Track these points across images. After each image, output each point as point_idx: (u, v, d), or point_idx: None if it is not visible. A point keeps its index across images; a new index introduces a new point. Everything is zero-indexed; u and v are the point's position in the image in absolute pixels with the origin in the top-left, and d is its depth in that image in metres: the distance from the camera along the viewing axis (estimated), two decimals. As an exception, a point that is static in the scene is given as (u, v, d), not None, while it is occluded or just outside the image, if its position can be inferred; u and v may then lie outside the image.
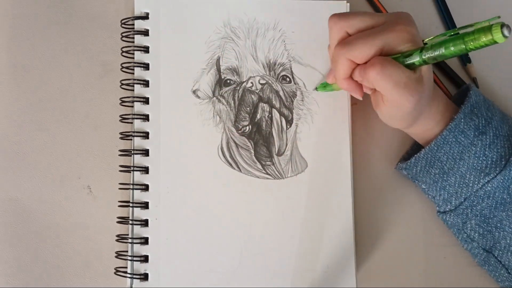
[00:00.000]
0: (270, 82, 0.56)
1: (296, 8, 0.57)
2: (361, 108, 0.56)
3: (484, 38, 0.37)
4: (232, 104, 0.56)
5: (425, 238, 0.56)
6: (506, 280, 0.52)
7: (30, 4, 0.58)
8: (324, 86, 0.54)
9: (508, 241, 0.51)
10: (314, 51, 0.57)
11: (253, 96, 0.56)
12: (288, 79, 0.56)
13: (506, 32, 0.36)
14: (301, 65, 0.57)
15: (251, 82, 0.56)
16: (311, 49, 0.57)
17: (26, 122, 0.56)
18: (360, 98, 0.50)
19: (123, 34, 0.57)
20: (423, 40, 0.45)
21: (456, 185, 0.51)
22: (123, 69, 0.56)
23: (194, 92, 0.56)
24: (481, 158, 0.49)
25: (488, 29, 0.37)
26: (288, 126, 0.56)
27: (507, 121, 0.52)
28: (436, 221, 0.55)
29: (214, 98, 0.56)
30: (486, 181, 0.50)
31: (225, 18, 0.57)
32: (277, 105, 0.56)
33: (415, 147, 0.56)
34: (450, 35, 0.41)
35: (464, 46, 0.39)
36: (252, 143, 0.55)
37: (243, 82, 0.56)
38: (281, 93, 0.56)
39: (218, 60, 0.56)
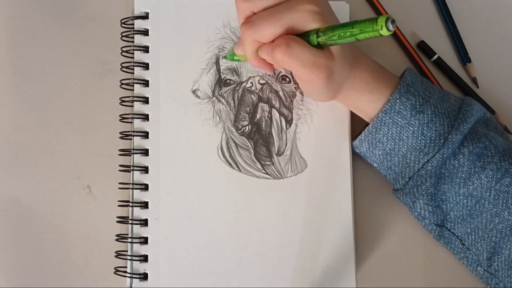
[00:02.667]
0: (269, 82, 0.56)
1: (296, 8, 0.57)
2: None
3: (370, 28, 0.38)
4: (232, 104, 0.56)
5: (425, 238, 0.56)
6: (461, 252, 0.53)
7: (30, 4, 0.58)
8: (232, 55, 0.53)
9: (455, 213, 0.52)
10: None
11: (252, 96, 0.56)
12: (287, 79, 0.56)
13: (390, 26, 0.37)
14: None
15: (251, 82, 0.56)
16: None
17: (26, 122, 0.57)
18: (271, 72, 0.50)
19: (123, 34, 0.57)
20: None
21: (400, 165, 0.51)
22: (123, 69, 0.56)
23: (194, 92, 0.56)
24: (419, 138, 0.49)
25: (374, 20, 0.38)
26: (288, 126, 0.56)
27: (448, 99, 0.51)
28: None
29: (214, 98, 0.56)
30: (425, 160, 0.50)
31: (225, 19, 0.57)
32: (277, 105, 0.56)
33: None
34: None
35: (352, 33, 0.40)
36: (251, 143, 0.55)
37: (243, 82, 0.56)
38: (280, 93, 0.56)
39: (217, 60, 0.56)
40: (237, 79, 0.56)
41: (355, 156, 0.56)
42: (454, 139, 0.49)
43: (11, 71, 0.57)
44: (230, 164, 0.55)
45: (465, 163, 0.50)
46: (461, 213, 0.51)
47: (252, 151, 0.55)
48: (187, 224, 0.54)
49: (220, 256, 0.54)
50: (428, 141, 0.49)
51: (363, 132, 0.52)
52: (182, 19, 0.57)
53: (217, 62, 0.56)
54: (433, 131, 0.49)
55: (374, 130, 0.51)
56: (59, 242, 0.55)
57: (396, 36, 0.59)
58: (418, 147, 0.50)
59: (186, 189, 0.54)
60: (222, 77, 0.56)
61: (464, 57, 0.59)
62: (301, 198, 0.55)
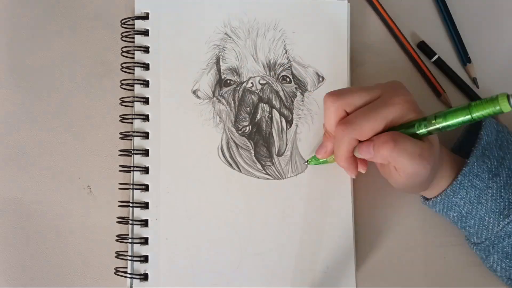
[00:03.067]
0: (270, 82, 0.56)
1: (296, 8, 0.57)
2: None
3: (491, 108, 0.40)
4: (232, 104, 0.56)
5: (425, 238, 0.56)
6: None
7: (30, 4, 0.58)
8: (316, 159, 0.54)
9: None
10: (314, 52, 0.57)
11: (253, 97, 0.56)
12: (288, 80, 0.56)
13: None
14: (302, 65, 0.57)
15: (251, 82, 0.56)
16: (312, 49, 0.57)
17: (26, 122, 0.56)
18: (354, 177, 0.51)
19: (123, 34, 0.57)
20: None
21: (476, 227, 0.51)
22: (123, 69, 0.56)
23: (194, 92, 0.56)
24: (498, 201, 0.49)
25: (494, 100, 0.39)
26: (288, 127, 0.56)
27: None
28: (436, 221, 0.55)
29: (214, 98, 0.56)
30: (506, 222, 0.49)
31: (225, 18, 0.57)
32: (277, 106, 0.56)
33: None
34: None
35: (469, 116, 0.41)
36: (252, 143, 0.55)
37: (243, 82, 0.56)
38: (281, 93, 0.56)
39: (218, 60, 0.56)
40: (238, 80, 0.56)
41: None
42: None
43: (11, 71, 0.57)
44: (230, 165, 0.55)
45: None
46: None
47: (253, 152, 0.55)
48: (188, 225, 0.54)
49: (220, 256, 0.54)
50: (507, 203, 0.49)
51: (439, 195, 0.51)
52: (182, 19, 0.57)
53: (217, 62, 0.56)
54: (511, 193, 0.49)
55: (452, 194, 0.50)
56: (59, 242, 0.55)
57: (396, 36, 0.59)
58: (497, 210, 0.49)
59: (186, 190, 0.54)
60: (223, 78, 0.56)
61: (464, 57, 0.59)
62: (301, 199, 0.55)
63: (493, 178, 0.49)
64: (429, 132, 0.45)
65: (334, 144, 0.49)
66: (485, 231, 0.50)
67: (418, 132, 0.45)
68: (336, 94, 0.47)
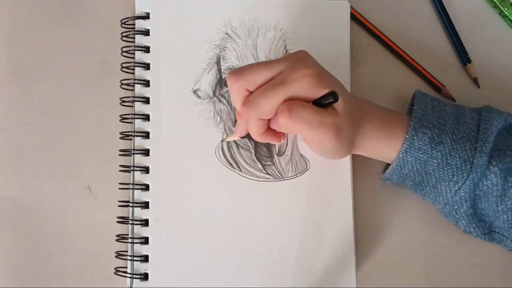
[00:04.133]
0: (270, 82, 0.56)
1: (297, 8, 0.57)
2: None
3: None
4: (233, 104, 0.56)
5: (425, 238, 0.56)
6: None
7: (30, 4, 0.58)
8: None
9: (499, 223, 0.51)
10: (315, 51, 0.56)
11: (253, 96, 0.56)
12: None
13: None
14: (302, 65, 0.57)
15: (252, 82, 0.56)
16: (312, 49, 0.56)
17: (26, 122, 0.56)
18: (280, 143, 0.51)
19: (123, 34, 0.57)
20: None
21: (432, 194, 0.51)
22: (123, 69, 0.56)
23: (194, 92, 0.56)
24: (445, 169, 0.49)
25: None
26: (289, 126, 0.56)
27: (463, 119, 0.50)
28: (436, 221, 0.55)
29: (215, 98, 0.56)
30: (456, 188, 0.49)
31: (226, 18, 0.57)
32: (278, 105, 0.56)
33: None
34: None
35: None
36: (252, 143, 0.55)
37: (244, 82, 0.56)
38: (281, 93, 0.56)
39: (218, 60, 0.56)
40: (238, 79, 0.56)
41: (356, 156, 0.56)
42: (481, 162, 0.48)
43: (11, 71, 0.57)
44: (231, 164, 0.55)
45: (498, 182, 0.49)
46: (503, 225, 0.51)
47: (253, 151, 0.55)
48: (188, 224, 0.54)
49: (221, 256, 0.54)
50: (454, 169, 0.49)
51: (389, 168, 0.51)
52: (183, 19, 0.57)
53: (218, 62, 0.56)
54: (457, 159, 0.49)
55: (399, 168, 0.50)
56: (59, 242, 0.55)
57: (384, 42, 0.59)
58: (446, 177, 0.49)
59: (186, 189, 0.54)
60: (223, 77, 0.56)
61: (464, 57, 0.59)
62: (302, 198, 0.55)
63: (437, 147, 0.49)
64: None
65: (245, 124, 0.49)
66: (441, 197, 0.51)
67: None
68: (236, 73, 0.46)
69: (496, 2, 0.60)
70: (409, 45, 0.59)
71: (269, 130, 0.48)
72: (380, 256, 0.55)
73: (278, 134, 0.49)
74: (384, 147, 0.50)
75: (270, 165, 0.55)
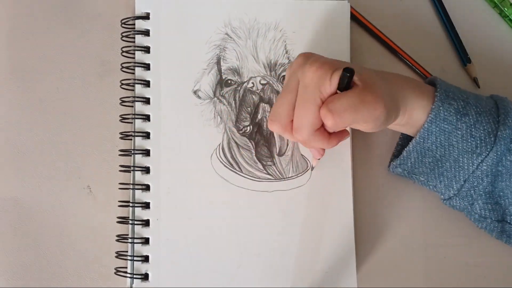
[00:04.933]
0: (271, 82, 0.56)
1: (297, 8, 0.57)
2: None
3: None
4: (233, 105, 0.56)
5: (425, 238, 0.56)
6: None
7: (30, 4, 0.58)
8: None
9: None
10: (315, 51, 0.57)
11: (254, 97, 0.56)
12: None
13: None
14: (302, 65, 0.57)
15: (252, 83, 0.56)
16: (312, 50, 0.57)
17: (26, 122, 0.56)
18: (348, 136, 0.50)
19: (123, 34, 0.57)
20: None
21: (453, 169, 0.51)
22: (123, 69, 0.56)
23: (195, 92, 0.56)
24: (469, 140, 0.49)
25: None
26: (289, 127, 0.56)
27: (481, 98, 0.51)
28: (436, 221, 0.55)
29: (215, 98, 0.56)
30: (479, 161, 0.49)
31: (226, 18, 0.57)
32: (278, 106, 0.56)
33: (400, 147, 0.56)
34: None
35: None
36: (253, 143, 0.55)
37: (244, 82, 0.56)
38: (282, 93, 0.56)
39: (219, 60, 0.56)
40: (238, 80, 0.56)
41: (356, 156, 0.56)
42: (505, 135, 0.49)
43: (11, 71, 0.57)
44: (231, 165, 0.55)
45: None
46: None
47: (254, 152, 0.55)
48: (188, 225, 0.54)
49: (221, 257, 0.54)
50: (478, 141, 0.49)
51: (411, 142, 0.51)
52: (183, 19, 0.57)
53: (218, 63, 0.56)
54: (481, 131, 0.49)
55: (422, 140, 0.50)
56: (59, 242, 0.55)
57: (385, 43, 0.59)
58: (469, 149, 0.49)
59: (187, 190, 0.54)
60: (223, 78, 0.56)
61: (464, 57, 0.59)
62: (302, 198, 0.55)
63: (462, 119, 0.49)
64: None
65: (312, 149, 0.50)
66: (461, 172, 0.51)
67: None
68: (270, 121, 0.48)
69: (496, 2, 0.60)
70: (409, 45, 0.59)
71: (332, 134, 0.48)
72: (380, 256, 0.56)
73: (343, 130, 0.49)
74: (418, 109, 0.49)
75: (270, 165, 0.55)
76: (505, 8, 0.60)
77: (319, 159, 0.53)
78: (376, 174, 0.56)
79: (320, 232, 0.54)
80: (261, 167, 0.55)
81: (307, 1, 0.58)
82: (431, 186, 0.54)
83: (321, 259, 0.54)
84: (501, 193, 0.51)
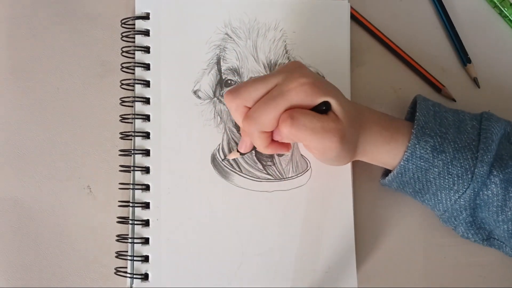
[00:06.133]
0: (271, 82, 0.56)
1: (297, 8, 0.57)
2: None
3: None
4: (233, 105, 0.56)
5: (425, 238, 0.56)
6: None
7: (30, 4, 0.58)
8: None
9: (499, 232, 0.51)
10: (315, 51, 0.57)
11: (254, 97, 0.56)
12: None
13: None
14: (302, 65, 0.57)
15: (252, 83, 0.56)
16: (312, 49, 0.57)
17: (26, 122, 0.56)
18: (288, 152, 0.51)
19: (123, 34, 0.57)
20: None
21: (432, 201, 0.51)
22: (123, 69, 0.56)
23: (195, 92, 0.56)
24: (446, 177, 0.49)
25: None
26: (289, 127, 0.56)
27: (464, 127, 0.50)
28: (436, 221, 0.55)
29: (215, 98, 0.56)
30: (457, 197, 0.49)
31: (226, 19, 0.57)
32: (278, 106, 0.56)
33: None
34: None
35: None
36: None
37: (244, 82, 0.56)
38: (282, 93, 0.56)
39: (219, 60, 0.56)
40: (238, 80, 0.56)
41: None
42: (482, 172, 0.48)
43: (11, 71, 0.57)
44: (231, 165, 0.55)
45: (499, 192, 0.49)
46: (503, 235, 0.51)
47: (253, 152, 0.55)
48: (189, 225, 0.54)
49: (221, 256, 0.54)
50: (456, 178, 0.49)
51: (389, 175, 0.51)
52: (183, 19, 0.57)
53: (218, 63, 0.56)
54: (459, 168, 0.49)
55: (400, 175, 0.50)
56: (59, 242, 0.55)
57: (385, 43, 0.59)
58: (447, 186, 0.49)
59: (187, 190, 0.54)
60: (223, 78, 0.56)
61: (464, 57, 0.59)
62: (302, 199, 0.55)
63: (439, 156, 0.49)
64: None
65: (250, 139, 0.49)
66: (441, 204, 0.51)
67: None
68: (233, 92, 0.47)
69: (496, 2, 0.60)
70: (409, 45, 0.59)
71: (274, 141, 0.48)
72: (380, 256, 0.56)
73: (285, 144, 0.49)
74: (385, 152, 0.50)
75: (270, 166, 0.55)
76: (505, 8, 0.60)
77: (241, 154, 0.52)
78: (376, 174, 0.56)
79: (320, 232, 0.54)
80: (261, 167, 0.55)
81: (307, 1, 0.58)
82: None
83: (321, 259, 0.54)
84: (483, 221, 0.52)
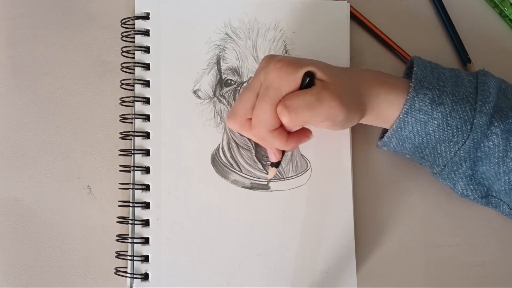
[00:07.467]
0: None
1: (297, 8, 0.57)
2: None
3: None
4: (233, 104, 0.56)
5: (425, 238, 0.56)
6: (509, 214, 0.53)
7: (30, 4, 0.58)
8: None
9: (498, 186, 0.51)
10: (315, 51, 0.57)
11: (254, 97, 0.56)
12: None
13: None
14: (302, 65, 0.57)
15: (252, 82, 0.56)
16: (312, 49, 0.57)
17: (26, 122, 0.56)
18: (311, 136, 0.50)
19: (123, 34, 0.57)
20: None
21: (432, 156, 0.51)
22: (123, 69, 0.56)
23: (195, 92, 0.56)
24: (445, 129, 0.49)
25: None
26: (289, 126, 0.56)
27: (462, 82, 0.51)
28: (436, 221, 0.55)
29: (215, 98, 0.56)
30: (456, 149, 0.50)
31: (226, 18, 0.57)
32: (278, 105, 0.56)
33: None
34: None
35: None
36: (253, 143, 0.55)
37: (244, 82, 0.56)
38: (281, 93, 0.56)
39: (219, 60, 0.56)
40: (238, 79, 0.56)
41: (356, 156, 0.56)
42: (481, 122, 0.49)
43: (11, 71, 0.57)
44: (231, 165, 0.55)
45: (500, 142, 0.49)
46: (503, 187, 0.51)
47: (253, 151, 0.55)
48: (189, 225, 0.54)
49: (222, 256, 0.54)
50: (455, 130, 0.49)
51: (389, 131, 0.51)
52: (183, 19, 0.57)
53: (218, 63, 0.56)
54: (457, 119, 0.49)
55: (399, 129, 0.50)
56: (59, 242, 0.55)
57: (386, 43, 0.59)
58: (446, 138, 0.50)
59: (187, 190, 0.54)
60: (223, 77, 0.56)
61: (464, 57, 0.59)
62: (302, 198, 0.55)
63: (437, 108, 0.49)
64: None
65: (271, 147, 0.50)
66: (440, 158, 0.51)
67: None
68: (231, 115, 0.48)
69: (496, 2, 0.60)
70: (409, 45, 0.59)
71: (291, 135, 0.48)
72: (380, 256, 0.56)
73: (303, 131, 0.49)
74: (389, 104, 0.50)
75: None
76: (505, 8, 0.60)
77: (274, 166, 0.52)
78: (376, 174, 0.56)
79: (320, 232, 0.54)
80: (261, 167, 0.55)
81: (307, 1, 0.58)
82: (418, 163, 0.54)
83: (321, 259, 0.54)
84: (483, 176, 0.52)
